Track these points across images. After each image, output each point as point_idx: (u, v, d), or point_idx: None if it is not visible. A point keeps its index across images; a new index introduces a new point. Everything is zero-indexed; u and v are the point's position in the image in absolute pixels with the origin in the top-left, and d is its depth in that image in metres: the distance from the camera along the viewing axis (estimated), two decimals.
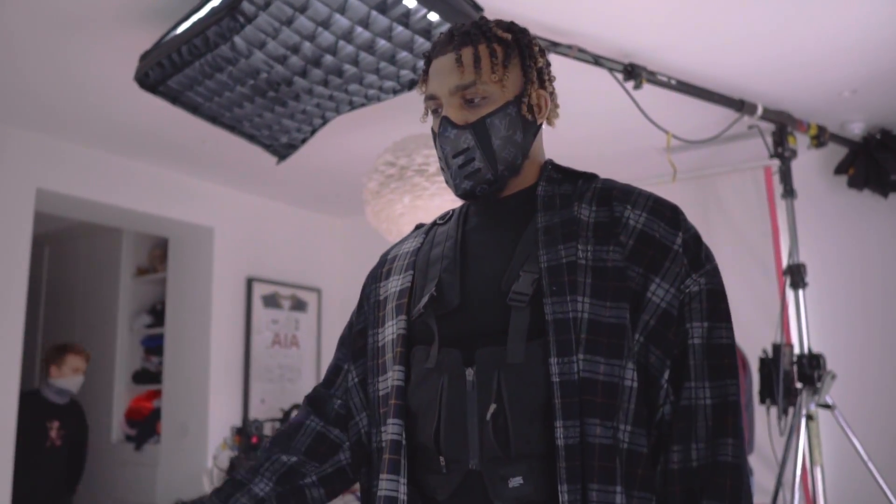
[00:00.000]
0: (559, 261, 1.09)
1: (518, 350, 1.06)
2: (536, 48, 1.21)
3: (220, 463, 4.00)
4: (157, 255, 4.99)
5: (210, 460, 4.11)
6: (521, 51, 1.19)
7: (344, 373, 1.32)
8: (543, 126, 1.25)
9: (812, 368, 3.03)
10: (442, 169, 1.21)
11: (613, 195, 1.15)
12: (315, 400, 1.33)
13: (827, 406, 2.97)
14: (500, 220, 1.20)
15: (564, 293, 1.06)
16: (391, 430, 1.13)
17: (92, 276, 5.22)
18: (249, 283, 4.63)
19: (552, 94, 1.24)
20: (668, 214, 1.13)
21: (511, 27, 1.21)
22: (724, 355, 1.09)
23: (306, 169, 4.10)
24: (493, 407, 1.05)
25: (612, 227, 1.11)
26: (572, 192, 1.18)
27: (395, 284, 1.25)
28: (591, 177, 1.21)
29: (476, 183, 1.16)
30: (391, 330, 1.21)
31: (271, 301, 4.75)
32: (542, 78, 1.21)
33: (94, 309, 5.12)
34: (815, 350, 3.13)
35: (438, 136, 1.18)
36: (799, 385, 3.04)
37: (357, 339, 1.32)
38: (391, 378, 1.17)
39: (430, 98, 1.20)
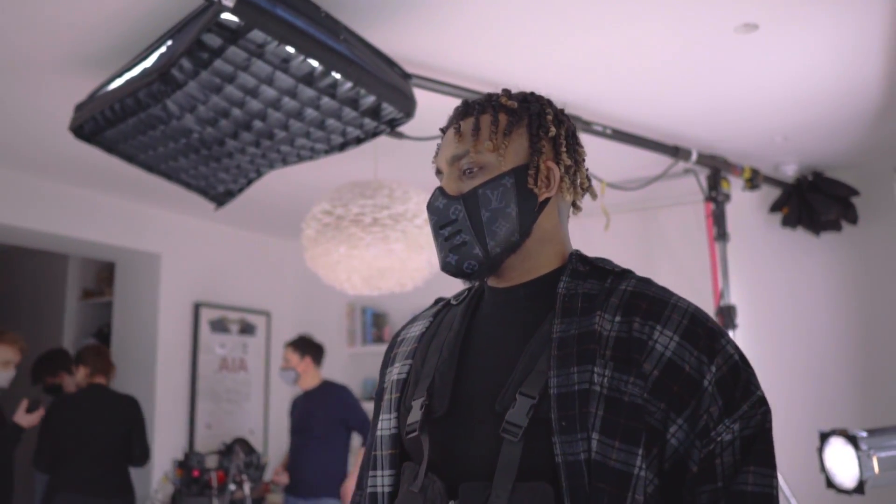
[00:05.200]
0: (570, 387, 0.95)
1: (503, 492, 0.93)
2: (551, 117, 1.11)
3: (161, 497, 3.99)
4: (104, 277, 4.96)
5: (152, 492, 4.10)
6: (530, 119, 1.10)
7: None
8: (569, 207, 1.16)
9: None
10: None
11: (641, 307, 1.00)
12: None
13: None
14: (512, 312, 1.09)
15: (575, 429, 0.93)
16: None
17: (37, 297, 5.17)
18: (197, 308, 4.63)
19: (571, 168, 1.12)
20: (704, 339, 0.98)
21: (524, 97, 1.13)
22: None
23: (258, 196, 4.11)
24: None
25: (635, 351, 0.96)
26: (598, 293, 1.04)
27: (395, 373, 1.17)
28: (623, 274, 1.07)
29: (462, 258, 1.07)
30: (385, 425, 1.13)
31: (219, 326, 4.75)
32: (558, 150, 1.10)
33: (38, 331, 5.06)
34: None
35: (427, 206, 1.11)
36: None
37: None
38: (381, 482, 1.12)
39: (437, 172, 1.15)
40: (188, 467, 3.72)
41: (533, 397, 0.96)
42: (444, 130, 1.16)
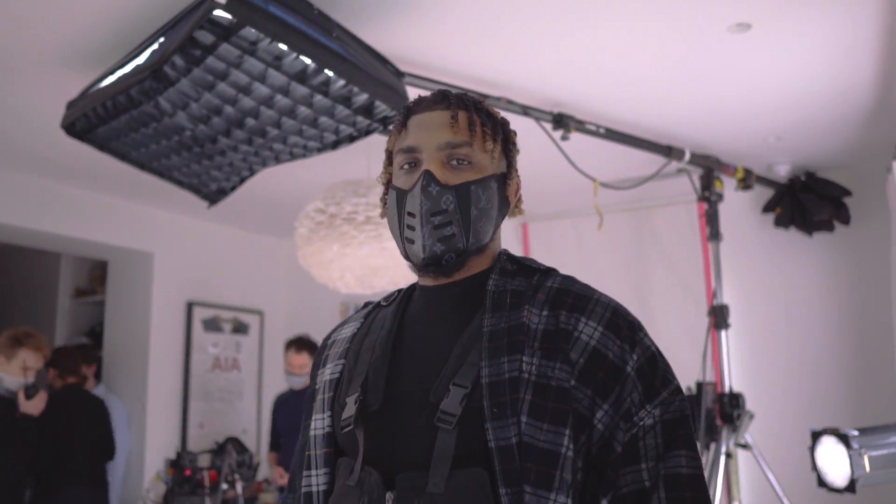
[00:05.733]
0: (501, 376, 0.99)
1: (440, 479, 0.96)
2: (515, 136, 1.19)
3: (153, 496, 3.98)
4: (96, 276, 4.94)
5: (143, 492, 4.09)
6: (506, 135, 1.16)
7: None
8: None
9: (732, 407, 3.14)
10: (405, 228, 1.10)
11: (566, 301, 1.05)
12: None
13: (744, 446, 3.08)
14: (443, 309, 1.12)
15: (506, 415, 0.97)
16: None
17: (29, 296, 5.15)
18: (190, 307, 4.61)
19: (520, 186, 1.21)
20: (625, 331, 1.04)
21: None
22: (687, 486, 0.98)
23: (251, 194, 4.10)
24: None
25: (561, 341, 1.01)
26: (525, 290, 1.08)
27: (327, 374, 1.17)
28: (549, 272, 1.12)
29: (447, 249, 1.08)
30: (319, 424, 1.14)
31: (212, 325, 4.74)
32: (514, 168, 1.18)
33: None
34: (737, 389, 3.24)
35: (417, 191, 1.07)
36: (720, 423, 3.15)
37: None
38: (316, 481, 1.11)
39: (407, 151, 1.11)
40: (180, 466, 3.71)
41: (466, 387, 0.99)
42: (414, 111, 1.14)
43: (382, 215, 1.21)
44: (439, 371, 1.03)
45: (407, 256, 1.13)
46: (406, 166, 1.11)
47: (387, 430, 1.04)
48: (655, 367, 1.03)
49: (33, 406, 3.38)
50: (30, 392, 3.37)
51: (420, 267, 1.11)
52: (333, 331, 1.28)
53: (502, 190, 1.14)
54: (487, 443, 0.96)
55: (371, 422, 1.05)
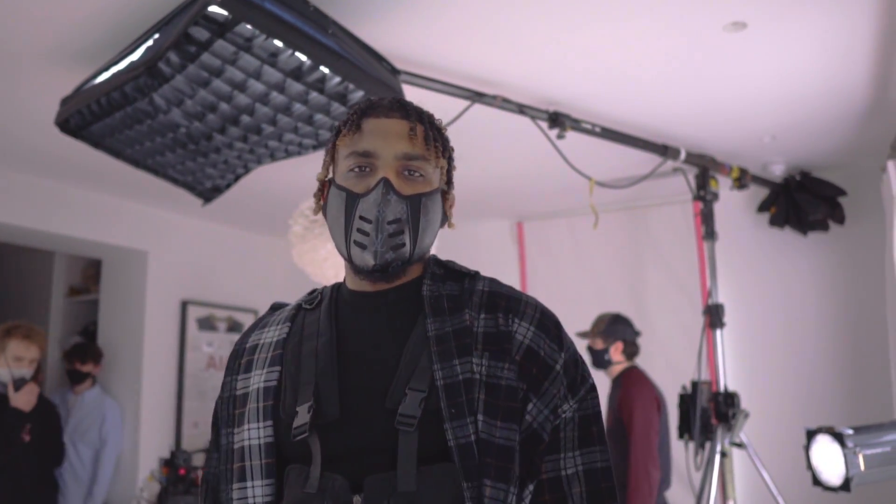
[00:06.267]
0: (455, 378, 1.04)
1: (409, 477, 0.99)
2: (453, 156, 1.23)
3: (147, 495, 3.97)
4: (90, 274, 4.92)
5: (137, 491, 4.07)
6: (447, 150, 1.19)
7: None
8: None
9: (727, 406, 3.15)
10: (354, 231, 1.09)
11: (501, 304, 1.12)
12: None
13: (739, 445, 3.09)
14: (381, 316, 1.13)
15: (464, 414, 1.02)
16: None
17: (22, 294, 5.12)
18: (184, 305, 4.60)
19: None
20: (553, 331, 1.12)
21: None
22: (602, 479, 1.09)
23: (245, 193, 4.09)
24: None
25: (503, 342, 1.08)
26: (460, 294, 1.13)
27: (257, 380, 1.13)
28: (476, 276, 1.18)
29: (397, 258, 1.10)
30: (255, 434, 1.10)
31: (206, 324, 4.73)
32: (452, 184, 1.21)
33: None
34: (732, 388, 3.24)
35: (375, 197, 1.08)
36: (715, 422, 3.15)
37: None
38: (253, 493, 1.08)
39: (363, 154, 1.11)
40: (174, 466, 3.69)
41: (423, 391, 1.03)
42: (369, 114, 1.14)
43: (317, 212, 1.22)
44: (391, 377, 1.06)
45: (349, 259, 1.13)
46: (357, 169, 1.11)
47: (346, 438, 1.05)
48: (577, 365, 1.12)
49: (22, 399, 3.26)
50: (17, 384, 3.27)
51: (366, 272, 1.11)
52: (249, 334, 1.23)
53: (443, 204, 1.18)
54: (447, 442, 1.01)
55: (328, 430, 1.05)
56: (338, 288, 1.22)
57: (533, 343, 1.09)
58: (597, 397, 1.13)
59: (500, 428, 1.03)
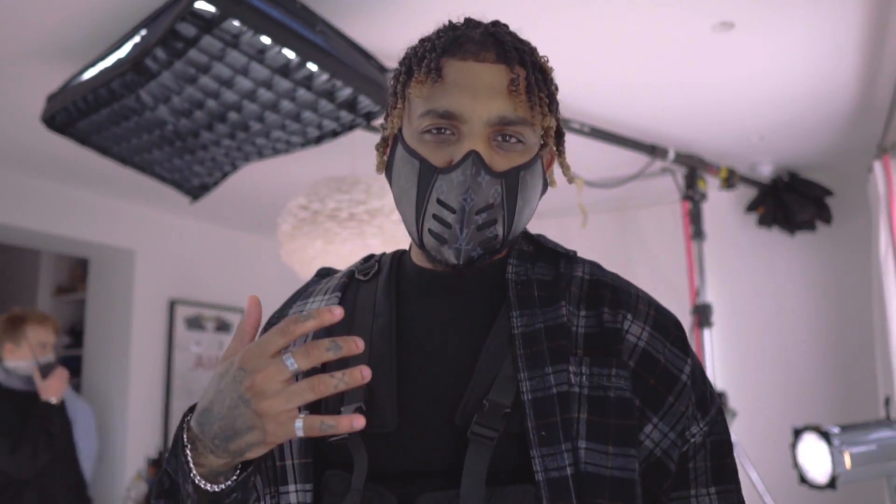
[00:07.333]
0: (548, 391, 0.80)
1: (476, 499, 0.76)
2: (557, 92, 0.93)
3: (135, 495, 3.94)
4: (77, 274, 4.89)
5: (125, 491, 4.05)
6: (556, 104, 0.91)
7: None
8: None
9: None
10: (430, 218, 0.85)
11: (605, 296, 0.88)
12: None
13: None
14: (453, 303, 0.90)
15: (558, 440, 0.78)
16: None
17: (8, 294, 5.08)
18: (172, 304, 4.58)
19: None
20: (674, 332, 0.89)
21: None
22: None
23: (233, 191, 4.08)
24: None
25: (611, 343, 0.84)
26: (554, 280, 0.89)
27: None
28: (573, 257, 0.94)
29: (486, 252, 0.86)
30: None
31: (194, 323, 4.70)
32: (552, 132, 0.93)
33: None
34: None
35: (463, 179, 0.82)
36: None
37: None
38: (296, 499, 0.86)
39: (444, 115, 0.84)
40: (162, 466, 3.66)
41: (506, 405, 0.80)
42: (449, 51, 0.87)
43: (380, 170, 0.96)
44: (462, 384, 0.83)
45: (422, 245, 0.88)
46: (434, 131, 0.85)
47: (397, 451, 0.83)
48: (704, 378, 0.89)
49: (53, 388, 2.96)
50: (44, 370, 2.97)
51: (443, 265, 0.87)
52: (290, 305, 1.01)
53: (543, 169, 0.92)
54: (534, 474, 0.78)
55: (375, 437, 0.83)
56: (399, 258, 0.98)
57: (650, 346, 0.85)
58: (726, 420, 0.90)
59: (614, 455, 0.79)
